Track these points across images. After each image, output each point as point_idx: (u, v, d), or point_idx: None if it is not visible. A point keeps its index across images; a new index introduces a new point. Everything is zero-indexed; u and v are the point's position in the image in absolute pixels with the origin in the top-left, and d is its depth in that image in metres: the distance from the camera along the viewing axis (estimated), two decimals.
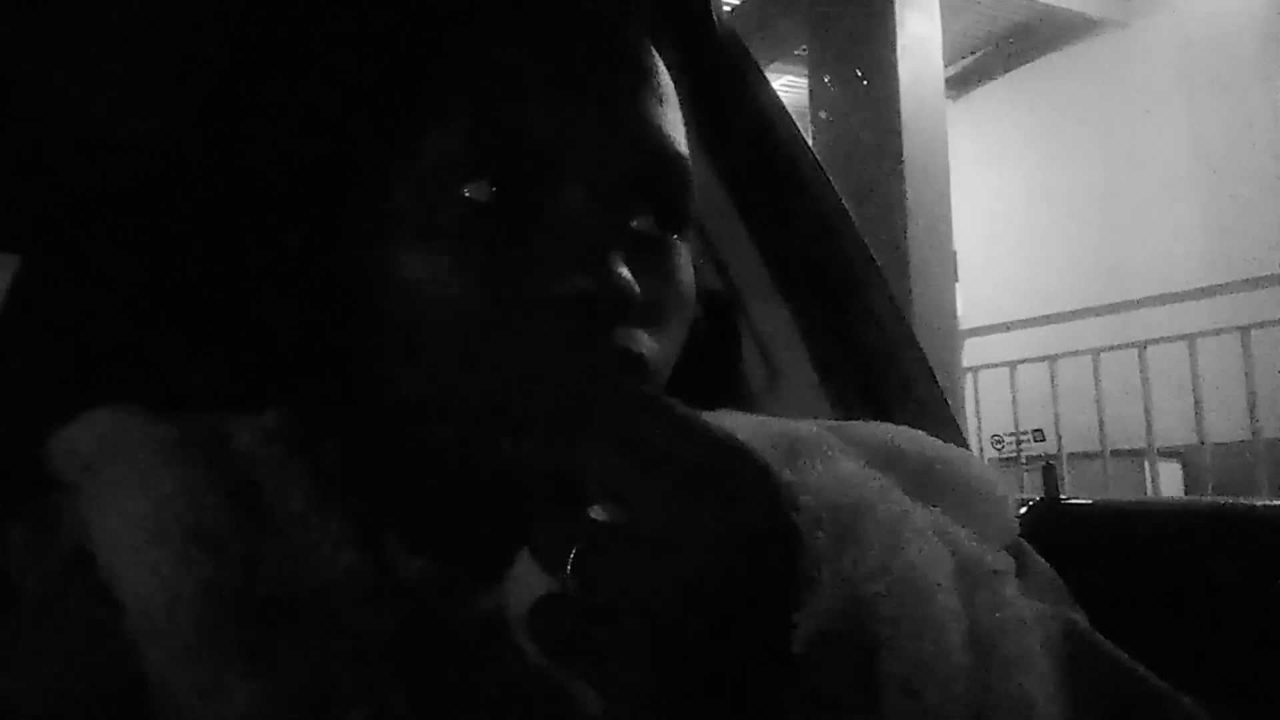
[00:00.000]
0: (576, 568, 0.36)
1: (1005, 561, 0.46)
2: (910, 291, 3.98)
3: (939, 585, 0.41)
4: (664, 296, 0.47)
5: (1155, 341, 4.26)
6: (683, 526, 0.36)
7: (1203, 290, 4.48)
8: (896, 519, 0.43)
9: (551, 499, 0.40)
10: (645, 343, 0.45)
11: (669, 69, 0.51)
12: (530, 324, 0.43)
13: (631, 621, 0.36)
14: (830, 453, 0.52)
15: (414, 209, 0.46)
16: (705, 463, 0.37)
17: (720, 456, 0.38)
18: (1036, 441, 4.67)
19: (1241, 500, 0.87)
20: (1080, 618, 0.52)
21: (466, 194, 0.45)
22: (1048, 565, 0.54)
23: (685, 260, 0.50)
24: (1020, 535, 0.54)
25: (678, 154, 0.49)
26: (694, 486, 0.37)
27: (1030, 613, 0.44)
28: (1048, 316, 4.91)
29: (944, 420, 0.96)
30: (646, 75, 0.49)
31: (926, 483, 0.52)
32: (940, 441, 0.56)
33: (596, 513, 0.39)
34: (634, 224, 0.47)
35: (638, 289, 0.43)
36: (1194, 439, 4.14)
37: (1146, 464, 4.35)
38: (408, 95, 0.47)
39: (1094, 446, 4.38)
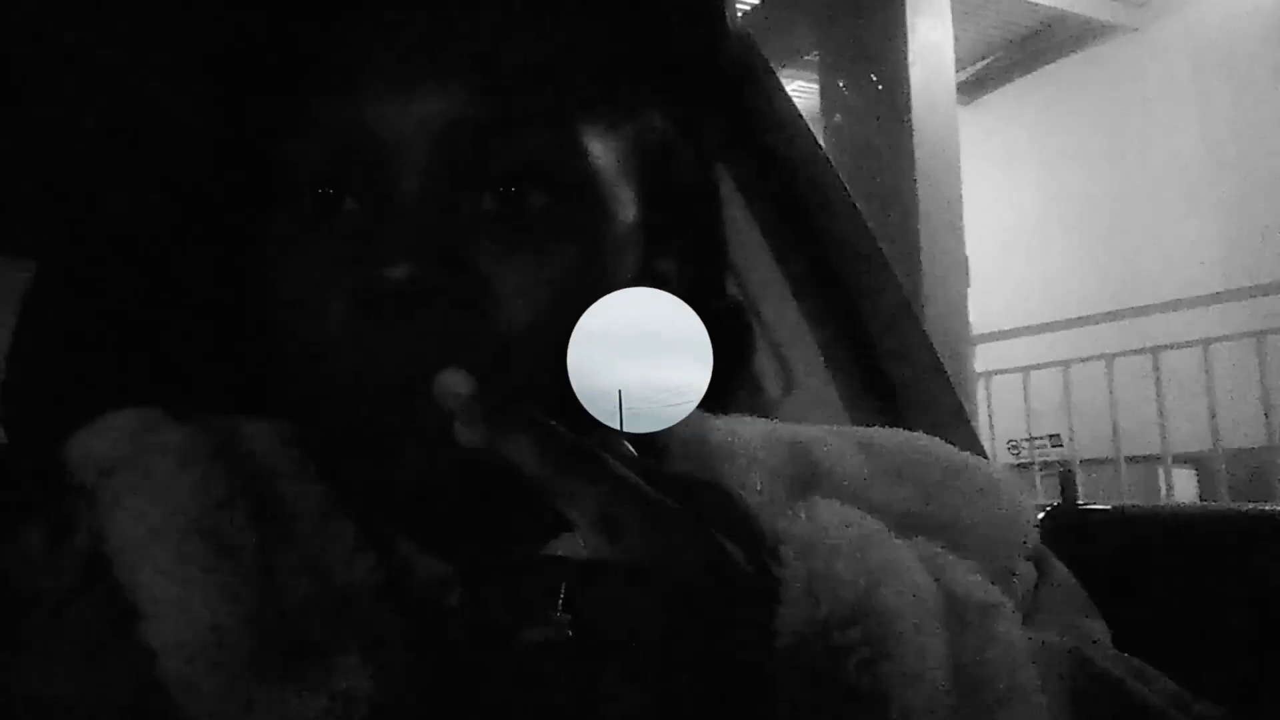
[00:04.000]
0: (568, 604, 0.36)
1: (997, 595, 0.45)
2: (922, 297, 3.97)
3: (918, 627, 0.40)
4: (514, 273, 0.45)
5: (1169, 347, 4.24)
6: (668, 567, 0.36)
7: (1217, 295, 4.46)
8: (874, 563, 0.42)
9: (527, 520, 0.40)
10: (474, 325, 0.44)
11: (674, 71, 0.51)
12: (355, 323, 0.44)
13: (622, 659, 0.35)
14: (840, 468, 0.51)
15: (285, 220, 0.47)
16: (690, 509, 0.37)
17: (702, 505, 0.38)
18: (1054, 447, 4.65)
19: (1264, 507, 0.87)
20: (1100, 628, 0.52)
21: (320, 199, 0.46)
22: (1069, 573, 0.54)
23: (565, 231, 0.47)
24: (1041, 541, 0.53)
25: (519, 128, 0.46)
26: (681, 529, 0.36)
27: (1024, 647, 0.43)
28: (1061, 322, 4.89)
29: (960, 425, 0.96)
30: (468, 53, 0.47)
31: (944, 493, 0.52)
32: (957, 449, 0.56)
33: (574, 544, 0.38)
34: (489, 204, 0.46)
35: (465, 273, 0.43)
36: (1208, 445, 4.12)
37: (1161, 470, 4.33)
38: (274, 111, 0.48)
39: (1108, 452, 4.36)
